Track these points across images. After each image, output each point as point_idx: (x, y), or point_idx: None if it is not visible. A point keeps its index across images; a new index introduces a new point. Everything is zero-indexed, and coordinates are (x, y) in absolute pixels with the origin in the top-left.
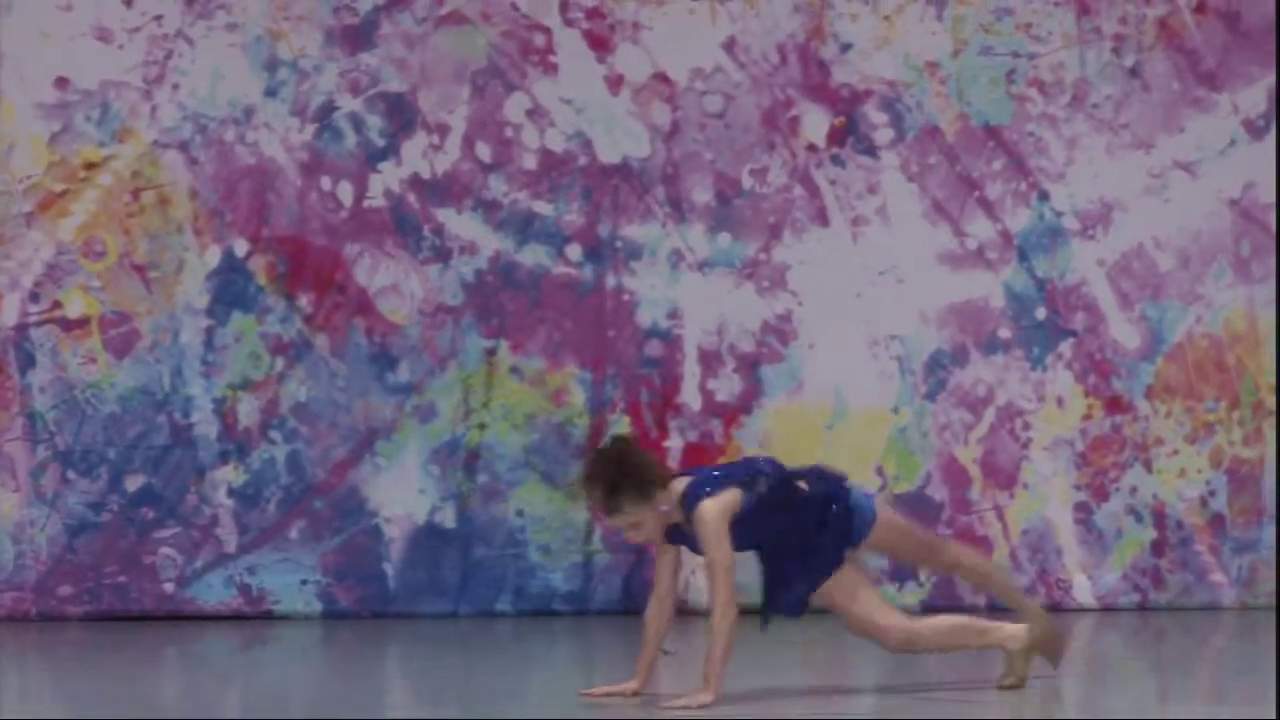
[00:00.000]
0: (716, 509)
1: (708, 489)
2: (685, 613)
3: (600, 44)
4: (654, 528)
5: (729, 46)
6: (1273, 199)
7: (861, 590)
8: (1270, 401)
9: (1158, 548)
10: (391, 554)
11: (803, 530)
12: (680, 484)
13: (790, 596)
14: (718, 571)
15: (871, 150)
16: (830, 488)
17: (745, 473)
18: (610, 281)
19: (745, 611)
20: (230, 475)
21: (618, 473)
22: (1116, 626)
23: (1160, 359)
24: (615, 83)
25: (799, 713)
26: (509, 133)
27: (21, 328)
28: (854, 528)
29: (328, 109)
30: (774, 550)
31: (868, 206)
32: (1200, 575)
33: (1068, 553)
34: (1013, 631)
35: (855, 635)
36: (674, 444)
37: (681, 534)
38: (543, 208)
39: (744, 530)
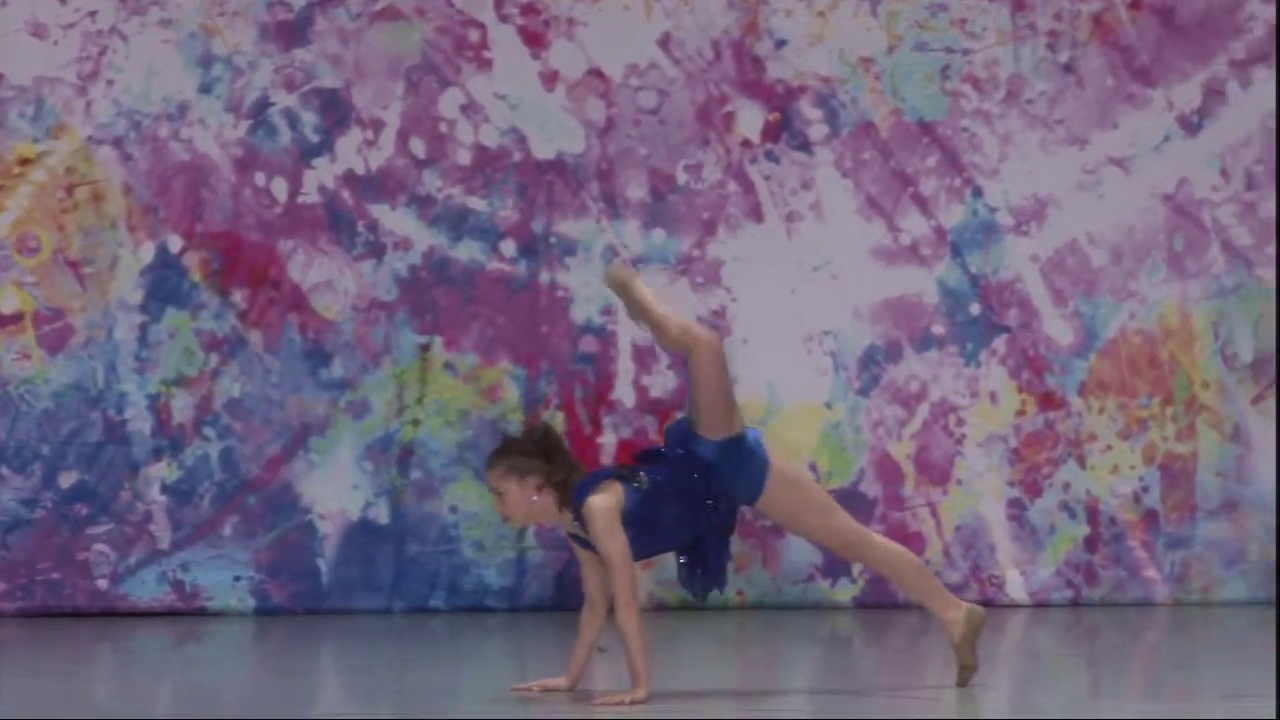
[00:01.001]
0: (602, 502)
1: (590, 486)
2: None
3: (535, 40)
4: (518, 508)
5: (664, 42)
6: (1206, 194)
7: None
8: (1203, 397)
9: (1091, 544)
10: (325, 550)
11: (697, 511)
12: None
13: (709, 579)
14: (613, 565)
15: (806, 146)
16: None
17: (624, 468)
18: (544, 278)
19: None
20: (164, 471)
21: (516, 441)
22: (1049, 622)
23: (1094, 355)
24: (550, 79)
25: (732, 712)
26: (443, 128)
27: None
28: (743, 485)
29: (262, 105)
30: (683, 544)
31: (802, 202)
32: (1133, 571)
33: (1001, 549)
34: (955, 616)
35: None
36: (608, 440)
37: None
38: (477, 204)
39: (648, 536)
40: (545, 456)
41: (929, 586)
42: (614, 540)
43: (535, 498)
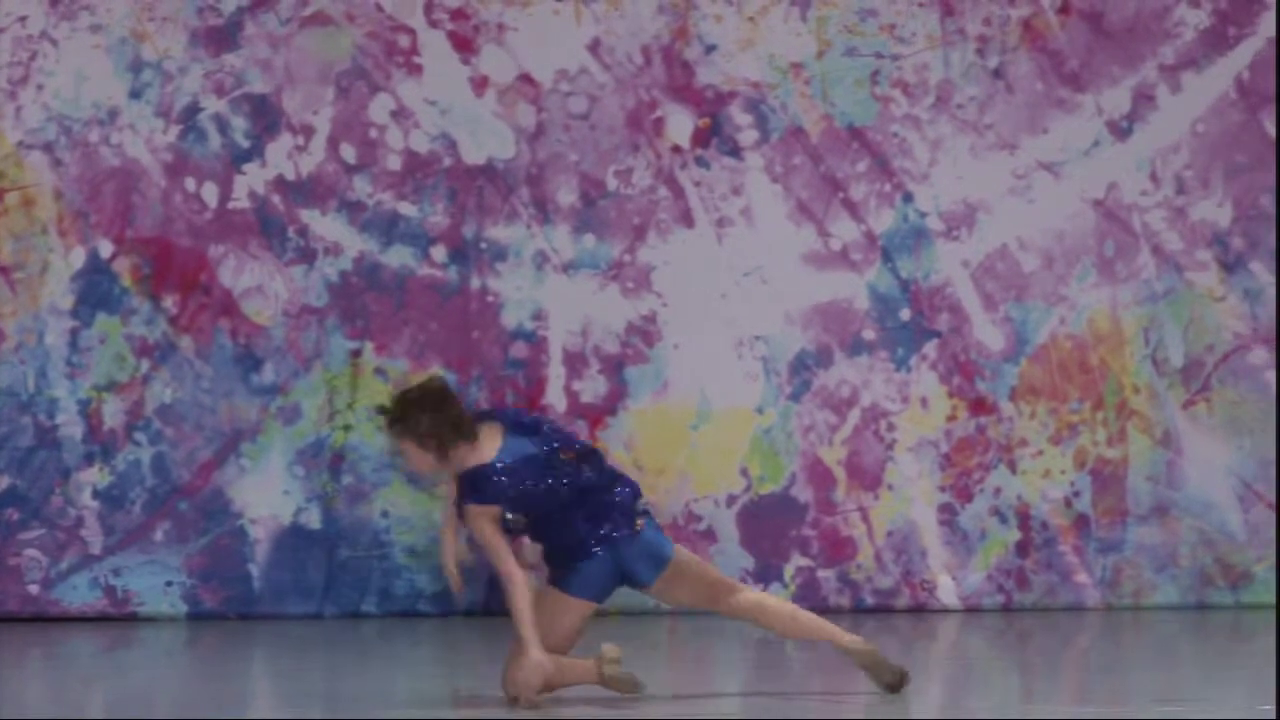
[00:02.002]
0: (480, 517)
1: (475, 495)
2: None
3: (465, 45)
4: (421, 463)
5: (594, 48)
6: (1136, 198)
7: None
8: (1134, 402)
9: (1022, 549)
10: (256, 555)
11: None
12: (477, 449)
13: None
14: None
15: (736, 151)
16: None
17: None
18: (475, 283)
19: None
20: (95, 477)
21: (407, 398)
22: (981, 627)
23: (1024, 360)
24: (480, 84)
25: (666, 714)
26: (373, 134)
27: None
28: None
29: (192, 110)
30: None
31: (732, 208)
32: (1064, 576)
33: (932, 554)
34: (851, 640)
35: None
36: None
37: None
38: (407, 209)
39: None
40: (435, 412)
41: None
42: (490, 549)
43: (432, 456)
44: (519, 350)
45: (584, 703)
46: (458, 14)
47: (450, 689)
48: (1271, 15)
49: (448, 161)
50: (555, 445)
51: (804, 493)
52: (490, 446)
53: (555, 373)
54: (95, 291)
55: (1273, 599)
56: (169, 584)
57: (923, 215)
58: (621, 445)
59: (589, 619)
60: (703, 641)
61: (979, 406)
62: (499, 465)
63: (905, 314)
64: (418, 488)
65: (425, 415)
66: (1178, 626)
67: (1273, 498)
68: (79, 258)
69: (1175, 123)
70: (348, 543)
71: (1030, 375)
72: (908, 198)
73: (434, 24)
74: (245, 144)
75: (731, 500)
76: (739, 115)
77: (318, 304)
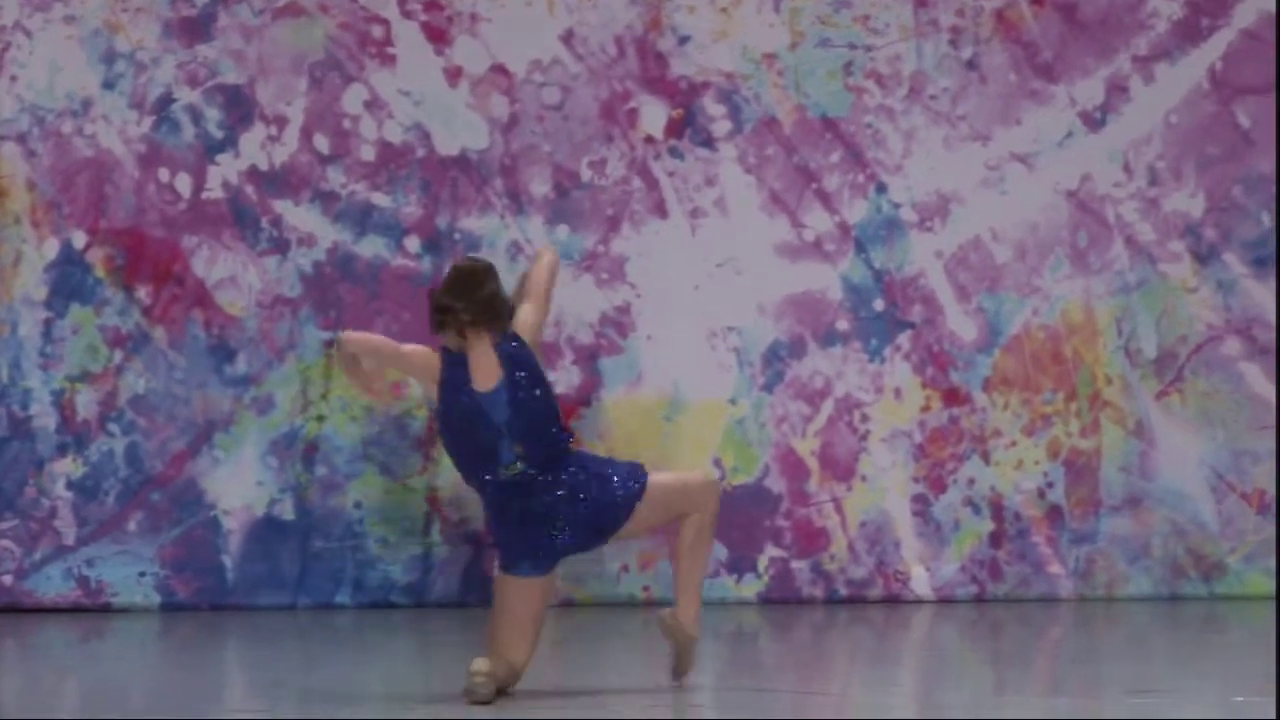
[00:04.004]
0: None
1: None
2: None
3: (438, 36)
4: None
5: (567, 38)
6: (1109, 190)
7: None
8: (1107, 393)
9: (995, 539)
10: (230, 546)
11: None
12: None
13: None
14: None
15: (709, 142)
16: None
17: None
18: None
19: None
20: (69, 467)
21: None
22: (954, 618)
23: (998, 351)
24: (453, 74)
25: (638, 710)
26: (347, 124)
27: None
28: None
29: (165, 101)
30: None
31: (706, 198)
32: (1038, 567)
33: (905, 545)
34: (688, 621)
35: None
36: None
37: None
38: (381, 199)
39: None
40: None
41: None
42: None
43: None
44: None
45: (564, 696)
46: (431, 5)
47: (424, 681)
48: (1244, 7)
49: (421, 152)
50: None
51: (777, 484)
52: None
53: None
54: (69, 282)
55: (1244, 590)
56: (142, 575)
57: (896, 206)
58: (595, 436)
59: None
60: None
61: (952, 397)
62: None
63: (879, 305)
64: (391, 478)
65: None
66: (1150, 617)
67: (1245, 488)
68: (52, 248)
69: (1148, 114)
70: (321, 534)
71: (1003, 366)
72: (881, 189)
73: (407, 14)
74: (219, 135)
75: None
76: (712, 106)
77: (291, 294)
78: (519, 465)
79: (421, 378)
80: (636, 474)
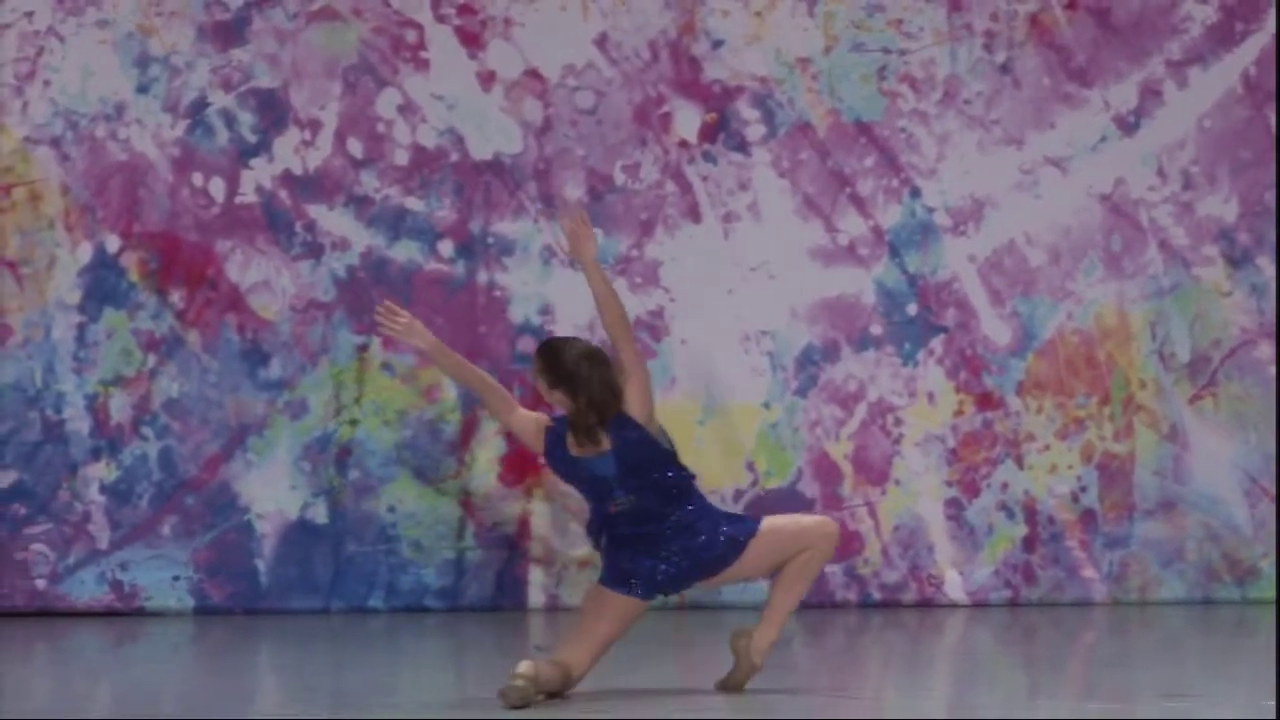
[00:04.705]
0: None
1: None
2: (556, 609)
3: (472, 40)
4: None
5: (601, 42)
6: (1143, 194)
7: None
8: (1141, 396)
9: (1029, 544)
10: (263, 550)
11: None
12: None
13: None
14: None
15: (743, 146)
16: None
17: None
18: (482, 278)
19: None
20: (102, 471)
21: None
22: (988, 622)
23: (1031, 355)
24: (487, 79)
25: (672, 712)
26: (380, 129)
27: None
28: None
29: (199, 105)
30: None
31: (739, 203)
32: (1071, 571)
33: (939, 549)
34: (766, 641)
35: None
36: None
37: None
38: (414, 204)
39: None
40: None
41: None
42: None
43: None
44: (526, 345)
45: (599, 699)
46: (465, 9)
47: (457, 684)
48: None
49: (455, 156)
50: None
51: (811, 487)
52: None
53: None
54: (102, 286)
55: (1277, 594)
56: (176, 579)
57: (930, 210)
58: None
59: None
60: (710, 637)
61: (986, 401)
62: None
63: (912, 309)
64: (424, 482)
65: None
66: (1184, 621)
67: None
68: (86, 252)
69: (1182, 118)
70: (354, 538)
71: (1037, 370)
72: (915, 193)
73: (441, 19)
74: (252, 139)
75: (738, 495)
76: (746, 110)
77: (325, 299)
78: (632, 499)
79: (527, 440)
80: (750, 521)
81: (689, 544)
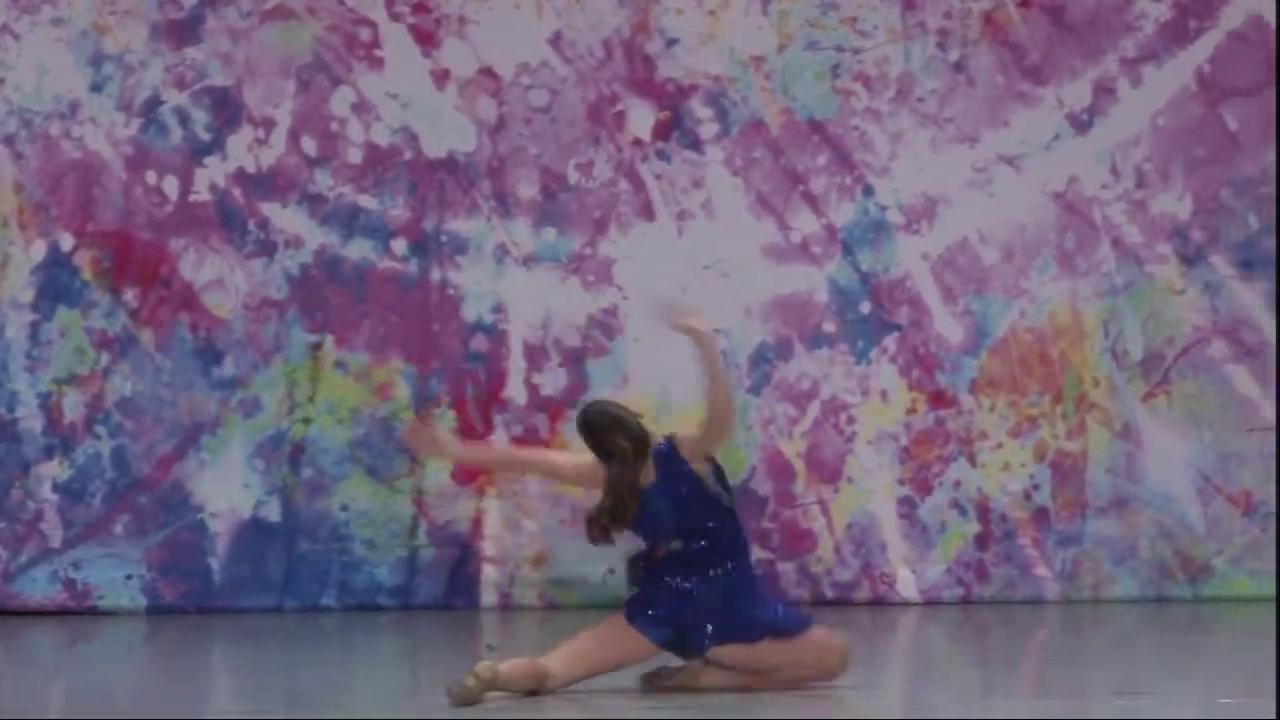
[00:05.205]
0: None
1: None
2: (509, 608)
3: (426, 38)
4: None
5: (555, 41)
6: (1096, 192)
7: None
8: (1094, 394)
9: (982, 541)
10: (216, 549)
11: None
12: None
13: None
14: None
15: (696, 145)
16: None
17: None
18: (435, 276)
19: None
20: (55, 470)
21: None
22: (940, 621)
23: (984, 353)
24: (441, 77)
25: (624, 711)
26: (334, 127)
27: None
28: None
29: (153, 103)
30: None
31: (693, 201)
32: (1024, 569)
33: (892, 547)
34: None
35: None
36: (499, 438)
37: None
38: (368, 202)
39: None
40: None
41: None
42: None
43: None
44: (479, 343)
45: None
46: (419, 7)
47: (410, 682)
48: (1232, 8)
49: (408, 154)
50: None
51: (764, 485)
52: None
53: (516, 366)
54: (56, 285)
55: (1230, 592)
56: (129, 577)
57: (883, 209)
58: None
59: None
60: None
61: (939, 399)
62: None
63: (865, 307)
64: (378, 481)
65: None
66: (1136, 619)
67: (1231, 490)
68: (39, 251)
69: (1136, 116)
70: (307, 536)
71: (990, 368)
72: (868, 191)
73: (395, 17)
74: (206, 137)
75: None
76: (700, 109)
77: (278, 297)
78: (676, 544)
79: (585, 485)
80: (801, 615)
81: (724, 600)
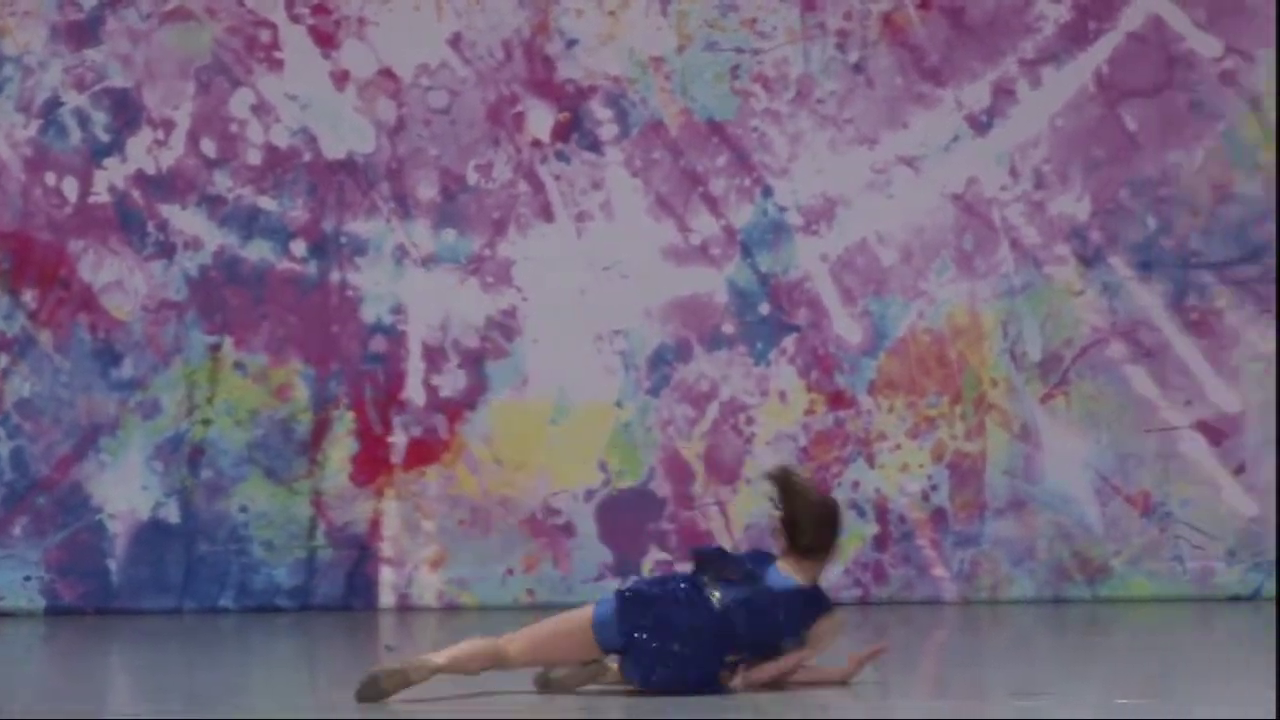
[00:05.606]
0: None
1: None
2: (407, 609)
3: (325, 39)
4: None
5: (454, 42)
6: (995, 193)
7: None
8: (992, 395)
9: (880, 542)
10: (115, 550)
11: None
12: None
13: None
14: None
15: (596, 146)
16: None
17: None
18: (335, 277)
19: None
20: None
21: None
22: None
23: (883, 354)
24: (341, 78)
25: (534, 713)
26: (234, 128)
27: None
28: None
29: (52, 105)
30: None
31: (592, 202)
32: (922, 570)
33: None
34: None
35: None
36: (398, 440)
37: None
38: (267, 203)
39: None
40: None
41: None
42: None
43: None
44: (378, 344)
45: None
46: (319, 8)
47: (309, 684)
48: (1131, 10)
49: (308, 156)
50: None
51: (663, 487)
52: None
53: (414, 367)
54: None
55: (1128, 592)
56: (27, 578)
57: (782, 210)
58: (480, 440)
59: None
60: None
61: (837, 400)
62: None
63: (764, 308)
64: (276, 482)
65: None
66: (1034, 620)
67: (1129, 491)
68: None
69: (1034, 117)
70: (206, 537)
71: (888, 369)
72: (767, 192)
73: (295, 19)
74: (105, 138)
75: (590, 495)
76: (599, 110)
77: (177, 298)
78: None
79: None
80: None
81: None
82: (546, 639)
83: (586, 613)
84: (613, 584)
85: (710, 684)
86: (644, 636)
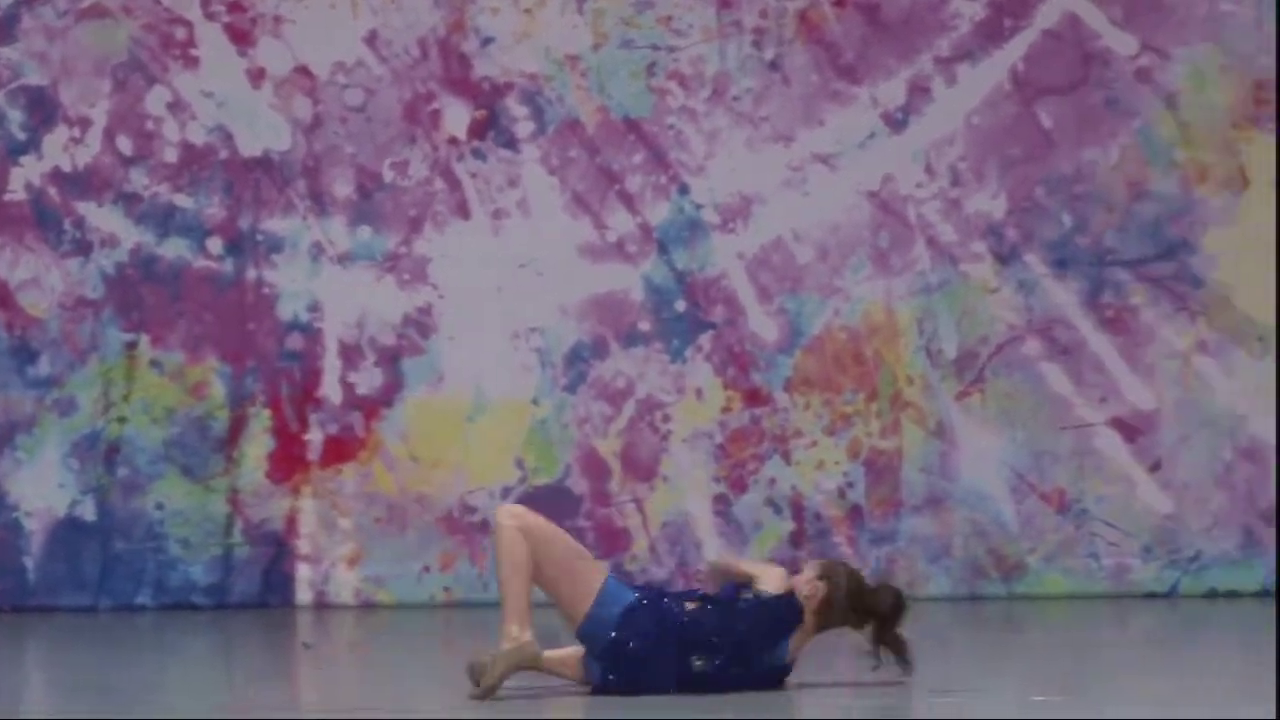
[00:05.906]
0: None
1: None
2: (324, 606)
3: (242, 37)
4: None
5: (370, 40)
6: (911, 190)
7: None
8: (908, 393)
9: (796, 539)
10: (31, 547)
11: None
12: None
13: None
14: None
15: (512, 143)
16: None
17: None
18: (251, 275)
19: None
20: None
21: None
22: None
23: (799, 351)
24: (256, 76)
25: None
26: (150, 126)
27: None
28: None
29: None
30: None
31: (508, 199)
32: None
33: (707, 545)
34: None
35: None
36: (314, 437)
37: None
38: (184, 201)
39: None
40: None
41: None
42: None
43: None
44: (295, 342)
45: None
46: (234, 6)
47: (225, 681)
48: (1047, 7)
49: (224, 153)
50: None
51: (579, 484)
52: None
53: (331, 364)
54: None
55: (1044, 589)
56: None
57: (698, 207)
58: (397, 437)
59: None
60: (479, 634)
61: (754, 398)
62: None
63: (680, 306)
64: (193, 480)
65: None
66: (950, 617)
67: (1045, 488)
68: None
69: (950, 114)
70: (122, 535)
71: (805, 367)
72: (683, 190)
73: (210, 16)
74: (21, 136)
75: (506, 492)
76: (515, 107)
77: (94, 296)
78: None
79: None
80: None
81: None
82: (564, 554)
83: (602, 571)
84: None
85: (667, 688)
86: (626, 638)
